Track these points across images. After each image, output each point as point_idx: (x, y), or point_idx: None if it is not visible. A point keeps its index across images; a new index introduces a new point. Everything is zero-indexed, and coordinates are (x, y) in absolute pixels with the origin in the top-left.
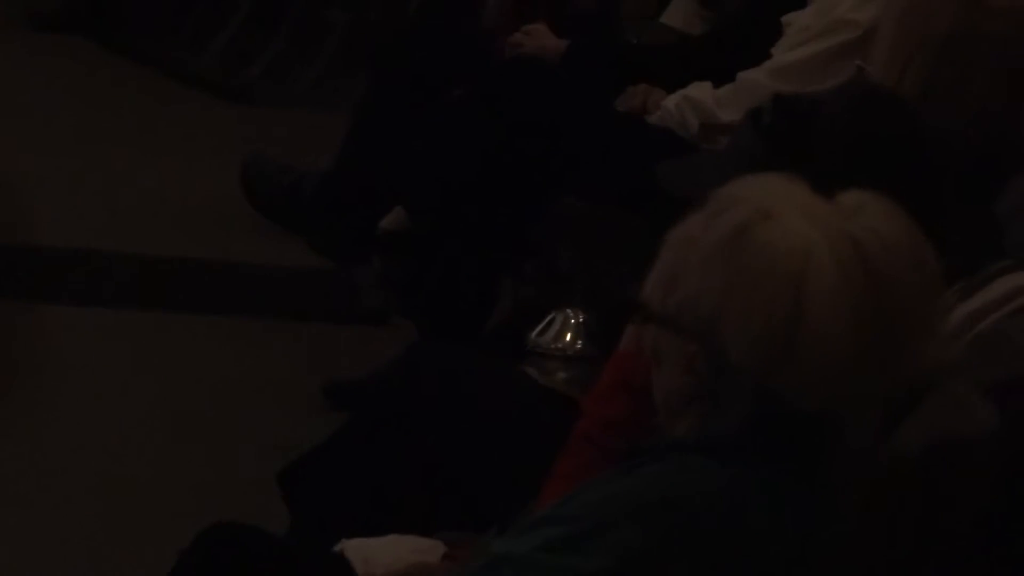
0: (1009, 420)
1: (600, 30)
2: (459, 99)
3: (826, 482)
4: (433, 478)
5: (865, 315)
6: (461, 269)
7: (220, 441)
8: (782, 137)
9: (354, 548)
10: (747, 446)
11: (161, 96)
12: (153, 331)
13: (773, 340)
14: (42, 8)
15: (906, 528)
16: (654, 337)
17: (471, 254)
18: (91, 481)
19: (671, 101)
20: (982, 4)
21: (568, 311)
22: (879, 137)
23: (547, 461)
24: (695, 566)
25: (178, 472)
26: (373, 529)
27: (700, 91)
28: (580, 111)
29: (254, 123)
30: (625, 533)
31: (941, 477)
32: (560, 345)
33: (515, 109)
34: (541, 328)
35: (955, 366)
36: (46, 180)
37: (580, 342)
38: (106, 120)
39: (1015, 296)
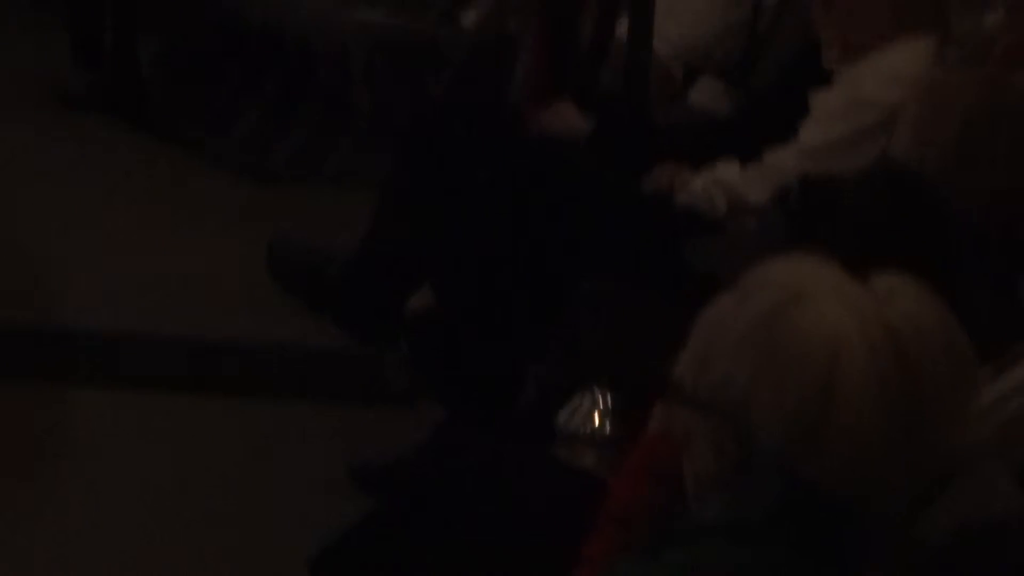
0: None
1: (627, 110)
2: (487, 177)
3: (855, 566)
4: (465, 562)
5: (896, 401)
6: (489, 349)
7: (247, 524)
8: (809, 219)
9: None
10: (776, 529)
11: (187, 176)
12: (179, 413)
13: (804, 424)
14: (68, 87)
15: None
16: (684, 419)
17: (499, 334)
18: (118, 566)
19: (698, 181)
20: (1002, 81)
21: (596, 392)
22: (904, 220)
23: (576, 544)
24: None
25: (208, 556)
26: None
27: (727, 172)
28: (607, 191)
29: (281, 203)
30: None
31: (971, 562)
32: (588, 428)
33: (542, 189)
34: (569, 410)
35: (985, 449)
36: (72, 260)
37: (608, 424)
38: (132, 200)
39: None
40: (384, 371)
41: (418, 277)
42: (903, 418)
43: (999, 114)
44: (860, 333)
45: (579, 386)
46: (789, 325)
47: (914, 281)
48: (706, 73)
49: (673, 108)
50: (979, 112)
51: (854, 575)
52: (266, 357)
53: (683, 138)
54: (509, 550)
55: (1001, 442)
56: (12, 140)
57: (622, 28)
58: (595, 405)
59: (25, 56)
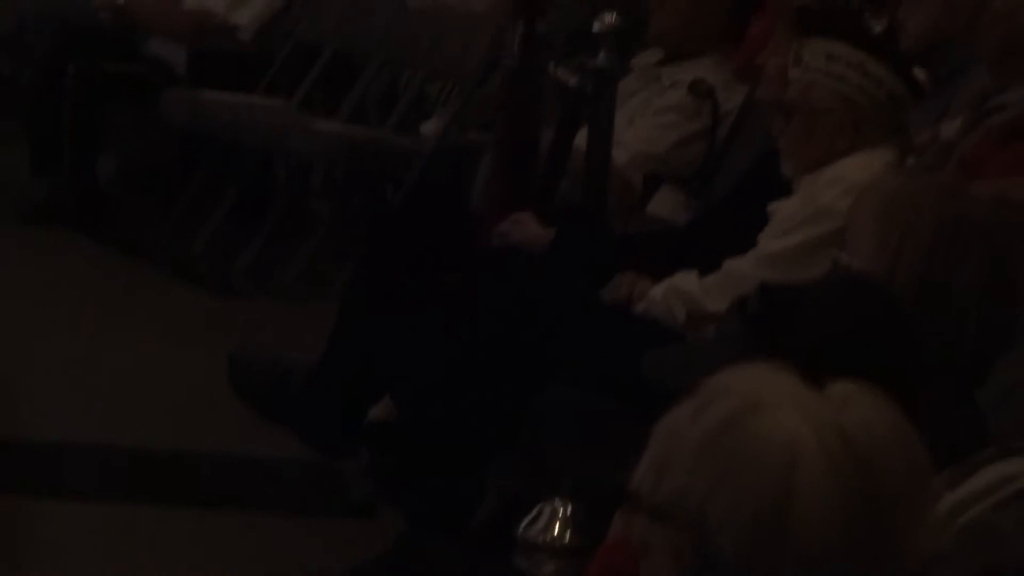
0: None
1: (587, 220)
2: (447, 287)
3: None
4: None
5: (855, 507)
6: (450, 459)
7: None
8: (768, 327)
9: None
10: None
11: (149, 287)
12: (140, 524)
13: (762, 530)
14: (29, 200)
15: None
16: (642, 527)
17: (460, 444)
18: None
19: (658, 291)
20: (962, 193)
21: (556, 502)
22: (864, 327)
23: None
24: None
25: None
26: None
27: (686, 281)
28: (566, 301)
29: (241, 314)
30: None
31: None
32: (548, 538)
33: (502, 298)
34: (529, 520)
35: (943, 556)
36: (36, 372)
37: (568, 534)
38: (95, 312)
39: (1000, 486)
40: (345, 482)
41: (379, 387)
42: (861, 523)
43: (964, 225)
44: (817, 440)
45: (540, 496)
46: (746, 433)
47: (871, 389)
48: (665, 183)
49: (632, 218)
50: (945, 223)
51: None
52: (227, 468)
53: (642, 248)
54: None
55: (960, 549)
56: None
57: (582, 138)
58: (556, 515)
59: None
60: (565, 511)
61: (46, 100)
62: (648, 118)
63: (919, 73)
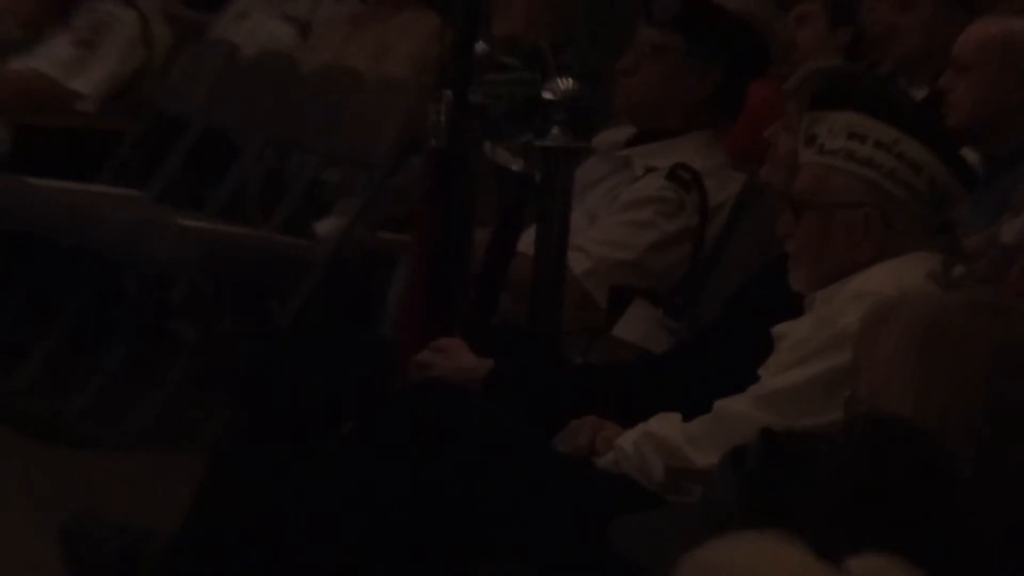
0: None
1: (533, 347)
2: (351, 435)
3: None
4: None
5: None
6: None
7: None
8: (772, 486)
9: None
10: None
11: None
12: None
13: None
14: None
15: None
16: None
17: None
18: None
19: (628, 439)
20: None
21: None
22: (902, 487)
23: None
24: None
25: None
26: None
27: (666, 426)
28: (508, 452)
29: (79, 468)
30: None
31: None
32: None
33: (423, 450)
34: None
35: None
36: None
37: None
38: None
39: None
40: None
41: (260, 562)
42: None
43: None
44: None
45: None
46: None
47: (906, 567)
48: (638, 298)
49: (595, 344)
50: (1011, 355)
51: None
52: None
53: (607, 383)
54: None
55: None
56: None
57: (528, 240)
58: None
59: None
60: None
61: None
62: (615, 214)
63: (969, 156)
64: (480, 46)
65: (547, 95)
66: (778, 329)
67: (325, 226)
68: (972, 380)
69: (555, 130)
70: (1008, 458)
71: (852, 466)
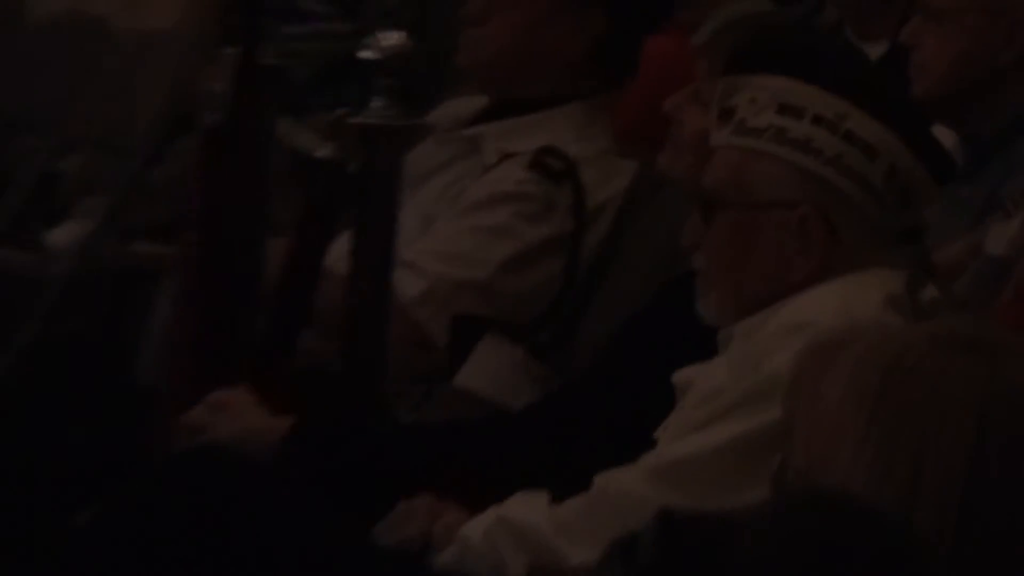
0: None
1: (347, 398)
2: (87, 527)
3: None
4: None
5: None
6: None
7: None
8: None
9: None
10: None
11: None
12: None
13: None
14: None
15: None
16: None
17: None
18: None
19: (477, 528)
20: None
21: None
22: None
23: None
24: None
25: None
26: None
27: (528, 509)
28: (312, 547)
29: None
30: None
31: None
32: None
33: (195, 537)
34: None
35: None
36: None
37: None
38: None
39: None
40: None
41: None
42: None
43: None
44: None
45: None
46: None
47: None
48: (491, 332)
49: (432, 393)
50: (1000, 412)
51: None
52: None
53: (449, 448)
54: None
55: None
56: None
57: (340, 253)
58: None
59: None
60: None
61: None
62: (459, 217)
63: (944, 136)
64: None
65: (365, 53)
66: (682, 375)
67: (60, 234)
68: (947, 443)
69: (376, 101)
70: (992, 548)
71: (781, 561)
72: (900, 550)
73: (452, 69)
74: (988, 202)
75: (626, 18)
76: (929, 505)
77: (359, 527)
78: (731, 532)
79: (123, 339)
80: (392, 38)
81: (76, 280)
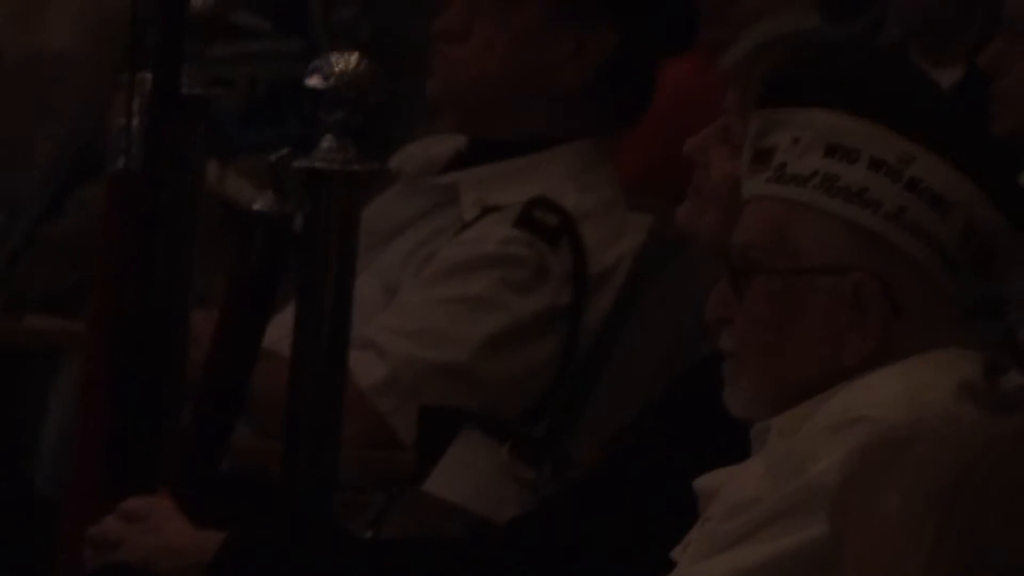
0: None
1: (291, 509)
2: None
3: None
4: None
5: None
6: None
7: None
8: None
9: None
10: None
11: None
12: None
13: None
14: None
15: None
16: None
17: None
18: None
19: None
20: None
21: None
22: None
23: None
24: None
25: None
26: None
27: None
28: None
29: None
30: None
31: None
32: None
33: None
34: None
35: None
36: None
37: None
38: None
39: None
40: None
41: None
42: None
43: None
44: None
45: None
46: None
47: None
48: (468, 427)
49: (396, 503)
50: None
51: None
52: None
53: (418, 571)
54: None
55: None
56: None
57: (282, 329)
58: None
59: None
60: None
61: None
62: (430, 285)
63: None
64: None
65: (314, 81)
66: (706, 482)
67: None
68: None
69: (327, 141)
70: None
71: None
72: None
73: (421, 100)
74: None
75: (640, 35)
76: None
77: None
78: None
79: (13, 433)
80: (346, 61)
81: None
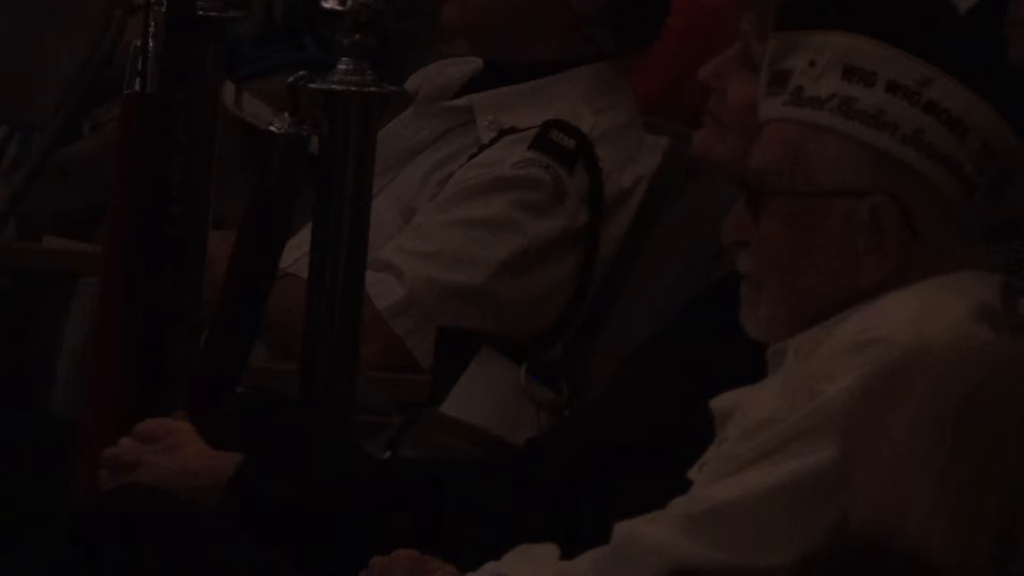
0: None
1: (307, 430)
2: None
3: None
4: None
5: None
6: None
7: None
8: None
9: None
10: None
11: None
12: None
13: None
14: None
15: None
16: None
17: None
18: None
19: None
20: None
21: None
22: None
23: None
24: None
25: None
26: None
27: (532, 566)
28: None
29: None
30: None
31: None
32: None
33: None
34: None
35: None
36: None
37: None
38: None
39: None
40: None
41: None
42: None
43: None
44: None
45: None
46: None
47: None
48: (485, 347)
49: (414, 424)
50: None
51: None
52: None
53: (434, 492)
54: None
55: None
56: None
57: (298, 251)
58: None
59: None
60: None
61: None
62: (446, 207)
63: None
64: None
65: (330, 3)
66: (722, 402)
67: None
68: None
69: (343, 63)
70: None
71: None
72: None
73: (436, 23)
74: None
75: None
76: None
77: None
78: None
79: (29, 355)
80: None
81: None
